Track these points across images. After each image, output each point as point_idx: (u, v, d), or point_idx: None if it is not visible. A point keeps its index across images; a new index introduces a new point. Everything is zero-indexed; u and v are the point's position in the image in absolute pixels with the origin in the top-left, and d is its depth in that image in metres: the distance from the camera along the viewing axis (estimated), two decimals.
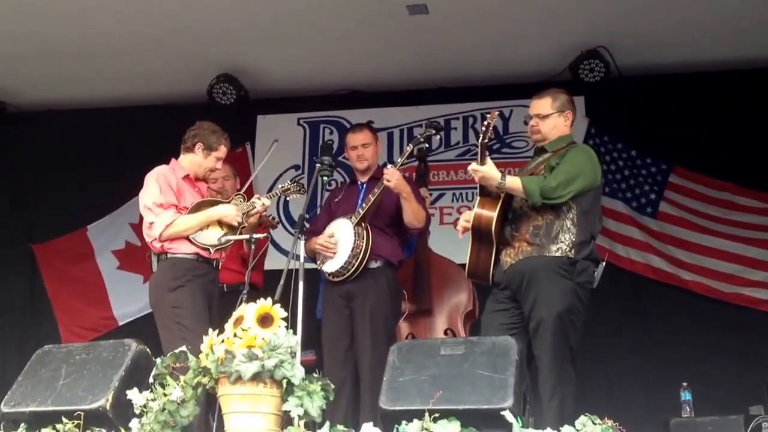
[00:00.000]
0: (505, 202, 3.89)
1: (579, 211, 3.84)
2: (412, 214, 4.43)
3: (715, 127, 6.00)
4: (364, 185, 4.62)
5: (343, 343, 4.41)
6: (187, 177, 4.39)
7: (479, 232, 3.89)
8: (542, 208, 3.83)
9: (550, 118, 4.01)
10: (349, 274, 4.37)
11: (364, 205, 4.43)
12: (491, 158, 3.84)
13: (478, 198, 3.92)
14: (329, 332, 4.49)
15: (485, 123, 3.73)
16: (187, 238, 4.23)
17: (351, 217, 4.43)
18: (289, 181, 4.73)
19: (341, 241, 4.41)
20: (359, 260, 4.34)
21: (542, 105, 4.04)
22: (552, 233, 3.82)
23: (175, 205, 4.27)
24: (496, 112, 3.79)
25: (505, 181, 3.78)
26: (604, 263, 3.90)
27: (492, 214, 3.85)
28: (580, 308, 3.80)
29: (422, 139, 4.53)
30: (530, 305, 3.80)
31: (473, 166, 3.80)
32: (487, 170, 3.78)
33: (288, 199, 4.92)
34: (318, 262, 4.52)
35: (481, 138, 3.76)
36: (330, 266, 4.43)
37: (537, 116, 4.04)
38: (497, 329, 3.80)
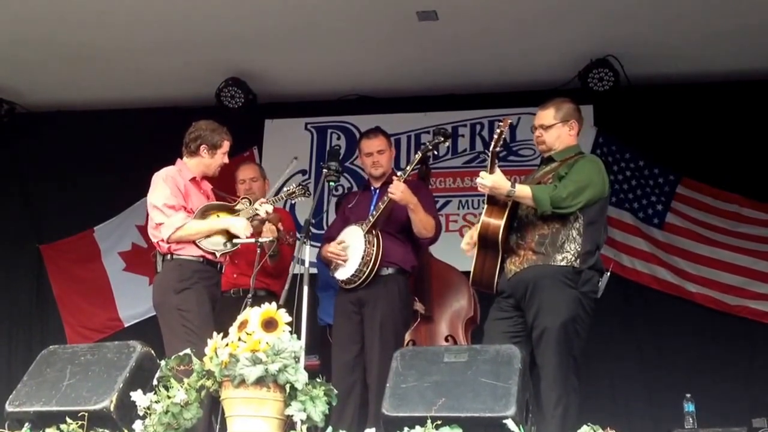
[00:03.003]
0: (511, 210, 3.89)
1: (585, 221, 3.84)
2: (420, 224, 4.43)
3: (724, 138, 5.99)
4: (377, 191, 4.62)
5: (352, 349, 4.41)
6: (193, 179, 4.41)
7: (486, 241, 3.89)
8: (549, 217, 3.82)
9: (554, 129, 4.01)
10: (360, 281, 4.36)
11: (374, 212, 4.43)
12: (498, 165, 3.83)
13: (485, 206, 3.90)
14: (339, 338, 4.49)
15: (497, 131, 3.73)
16: (193, 241, 4.24)
17: (362, 225, 4.43)
18: (294, 185, 4.74)
19: (352, 248, 4.42)
20: (370, 268, 4.34)
21: (546, 115, 4.03)
22: (558, 242, 3.81)
23: (184, 207, 4.29)
24: (509, 120, 3.79)
25: (515, 190, 3.78)
26: (608, 273, 3.90)
27: (499, 222, 3.84)
28: (584, 318, 3.79)
29: (431, 147, 4.53)
30: (534, 314, 3.80)
31: (483, 174, 3.79)
32: (497, 179, 3.78)
33: (293, 202, 4.91)
34: (330, 269, 4.53)
35: (492, 146, 3.76)
36: (341, 273, 4.43)
37: (541, 127, 4.04)
38: (500, 337, 3.80)
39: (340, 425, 3.91)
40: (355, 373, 4.38)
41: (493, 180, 3.78)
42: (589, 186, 3.84)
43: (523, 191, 3.80)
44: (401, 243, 4.50)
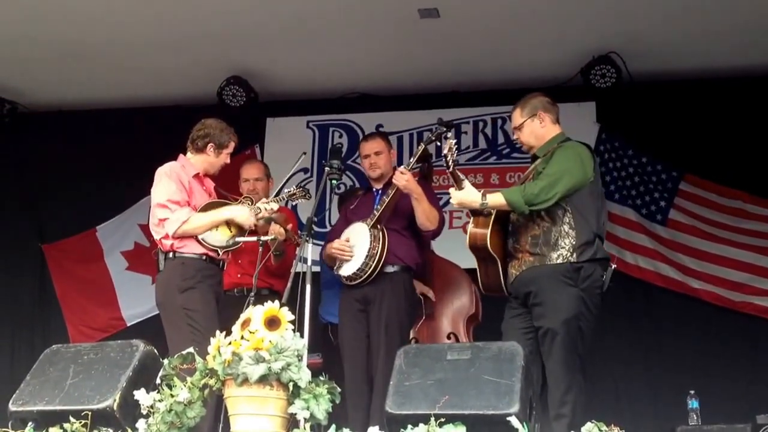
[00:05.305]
0: (499, 216, 3.88)
1: (575, 212, 3.81)
2: (423, 215, 4.44)
3: (727, 134, 5.97)
4: (380, 192, 4.64)
5: (362, 347, 4.42)
6: (196, 175, 4.41)
7: (477, 251, 3.90)
8: (538, 216, 3.81)
9: (525, 126, 4.01)
10: (365, 276, 4.37)
11: (379, 206, 4.44)
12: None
13: (472, 217, 3.92)
14: (347, 336, 4.49)
15: (443, 154, 3.75)
16: (196, 238, 4.23)
17: (366, 220, 4.44)
18: (294, 186, 4.75)
19: (357, 244, 4.42)
20: (375, 262, 4.34)
21: (514, 117, 4.06)
22: (551, 241, 3.80)
23: (188, 203, 4.28)
24: (453, 141, 3.78)
25: (487, 201, 3.79)
26: (614, 266, 3.86)
27: (485, 231, 3.85)
28: (587, 314, 3.77)
29: (434, 138, 4.54)
30: (537, 315, 3.80)
31: (451, 191, 3.82)
32: (466, 195, 3.81)
33: (294, 203, 4.90)
34: (335, 267, 4.53)
35: (450, 169, 3.76)
36: (346, 270, 4.44)
37: (514, 129, 4.07)
38: (517, 335, 3.79)
39: (354, 422, 3.94)
40: (369, 371, 4.40)
41: (458, 198, 3.81)
42: (563, 175, 3.80)
43: (495, 200, 3.81)
44: (406, 239, 4.51)
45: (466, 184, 3.80)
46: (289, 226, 4.72)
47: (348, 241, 4.45)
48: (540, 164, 3.91)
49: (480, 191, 3.85)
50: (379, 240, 4.36)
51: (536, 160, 4.01)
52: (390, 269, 4.41)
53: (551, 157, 3.89)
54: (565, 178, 3.79)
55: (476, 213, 3.89)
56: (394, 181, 4.37)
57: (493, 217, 3.85)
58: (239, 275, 4.82)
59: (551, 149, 3.94)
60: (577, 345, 3.75)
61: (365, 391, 4.33)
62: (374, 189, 4.69)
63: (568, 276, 3.75)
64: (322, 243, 4.80)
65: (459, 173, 3.81)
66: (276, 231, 4.51)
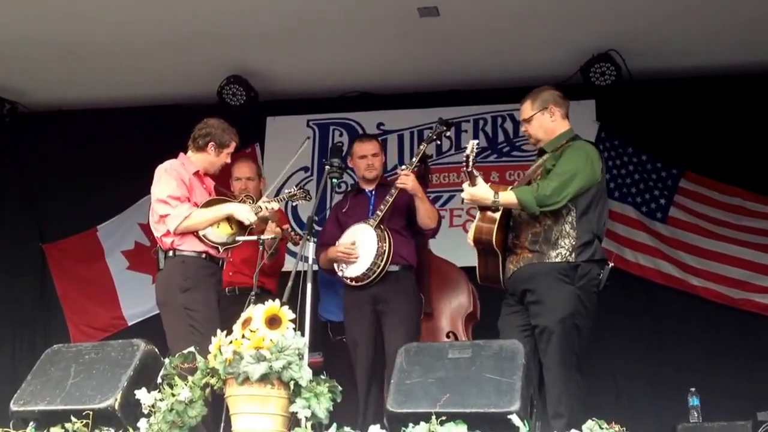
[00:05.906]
0: (505, 211, 3.89)
1: (577, 212, 3.82)
2: (425, 214, 4.47)
3: (727, 132, 5.98)
4: (373, 192, 4.65)
5: (371, 347, 4.43)
6: (196, 173, 4.41)
7: (481, 244, 3.91)
8: (541, 214, 3.81)
9: (534, 119, 4.00)
10: (374, 276, 4.38)
11: (382, 207, 4.45)
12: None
13: (478, 212, 3.92)
14: (355, 336, 4.49)
15: (465, 154, 3.74)
16: (196, 235, 4.23)
17: (369, 221, 4.45)
18: (295, 187, 4.76)
19: (362, 245, 4.43)
20: (384, 261, 4.37)
21: (524, 109, 4.04)
22: (551, 239, 3.80)
23: (188, 199, 4.29)
24: (476, 142, 3.78)
25: (498, 199, 3.79)
26: (611, 265, 3.87)
27: (492, 226, 3.86)
28: (584, 313, 3.77)
29: (434, 137, 4.55)
30: (533, 312, 3.81)
31: (464, 187, 3.82)
32: (478, 191, 3.80)
33: (294, 204, 4.90)
34: (337, 270, 4.53)
35: (465, 168, 3.76)
36: (353, 271, 4.44)
37: (523, 121, 4.05)
38: (514, 332, 3.80)
39: (364, 422, 3.95)
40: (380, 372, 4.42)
41: (471, 193, 3.80)
42: (575, 176, 3.80)
43: (508, 198, 3.81)
44: (405, 239, 4.54)
45: (480, 181, 3.81)
46: (285, 226, 4.73)
47: (353, 243, 4.45)
48: (549, 161, 3.91)
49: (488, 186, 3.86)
50: (385, 240, 4.38)
51: (543, 154, 4.01)
52: (394, 268, 4.43)
53: (560, 156, 3.89)
54: (576, 179, 3.80)
55: (484, 209, 3.89)
56: (398, 184, 4.40)
57: (500, 211, 3.86)
58: (231, 273, 4.81)
59: (560, 146, 3.94)
60: (573, 343, 3.75)
61: (369, 388, 4.34)
62: (367, 190, 4.70)
63: (565, 274, 3.76)
64: (316, 251, 4.78)
65: (475, 171, 3.81)
66: (274, 230, 4.51)
